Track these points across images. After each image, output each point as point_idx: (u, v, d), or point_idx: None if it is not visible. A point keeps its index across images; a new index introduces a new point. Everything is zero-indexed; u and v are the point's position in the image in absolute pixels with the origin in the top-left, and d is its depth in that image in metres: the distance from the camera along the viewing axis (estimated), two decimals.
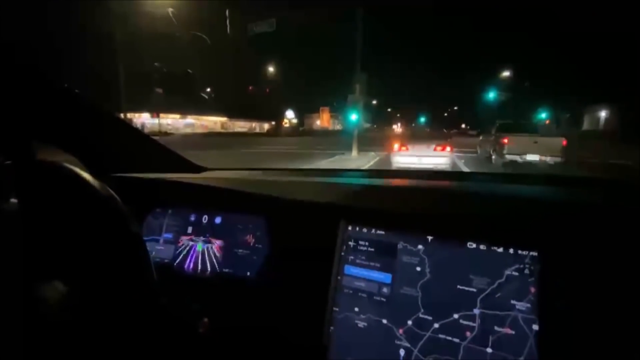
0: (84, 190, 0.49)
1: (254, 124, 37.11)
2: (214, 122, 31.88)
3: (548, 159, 6.28)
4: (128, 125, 0.95)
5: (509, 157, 6.54)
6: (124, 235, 0.47)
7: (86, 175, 0.49)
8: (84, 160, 0.85)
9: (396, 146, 6.02)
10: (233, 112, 33.33)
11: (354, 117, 9.83)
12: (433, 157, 5.56)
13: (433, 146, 5.77)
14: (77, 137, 0.83)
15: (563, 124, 21.97)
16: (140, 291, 0.47)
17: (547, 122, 22.45)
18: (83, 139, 0.85)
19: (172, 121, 26.53)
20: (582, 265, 0.48)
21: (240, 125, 35.48)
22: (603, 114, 20.05)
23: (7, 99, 0.67)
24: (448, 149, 5.71)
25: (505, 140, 6.69)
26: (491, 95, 23.66)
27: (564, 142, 6.53)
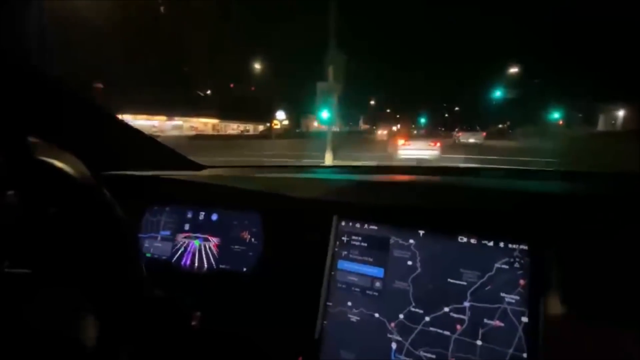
0: (72, 186, 0.50)
1: (247, 126, 34.23)
2: (204, 123, 29.35)
3: (477, 141, 14.81)
4: (126, 124, 0.96)
5: (461, 141, 14.96)
6: (113, 229, 0.48)
7: (73, 171, 0.50)
8: (82, 158, 0.86)
9: (401, 142, 8.28)
10: (225, 113, 30.75)
11: (325, 114, 6.48)
12: (427, 150, 7.82)
13: (428, 142, 8.31)
14: (75, 134, 0.84)
15: (574, 124, 19.78)
16: (129, 285, 0.48)
17: (561, 122, 20.24)
18: (82, 137, 0.86)
19: (159, 123, 24.25)
20: (571, 258, 0.48)
21: (233, 128, 32.80)
22: (621, 113, 17.79)
23: (1, 95, 0.67)
24: (438, 144, 8.15)
25: (460, 134, 15.93)
26: (498, 93, 21.71)
27: (484, 134, 16.11)
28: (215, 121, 30.71)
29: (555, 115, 20.57)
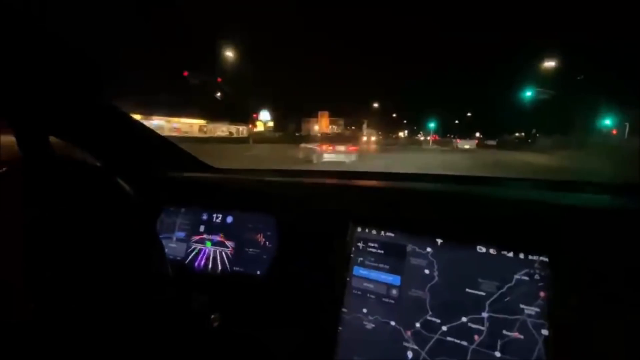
0: (102, 186, 0.51)
1: (241, 128, 29.08)
2: (189, 124, 24.66)
3: (471, 147, 20.32)
4: (141, 124, 0.98)
5: (459, 146, 20.30)
6: (139, 230, 0.49)
7: (103, 171, 0.51)
8: (98, 158, 0.88)
9: (324, 147, 8.96)
10: (212, 114, 25.70)
11: None
12: (346, 154, 8.68)
13: (347, 147, 9.02)
14: (93, 135, 0.86)
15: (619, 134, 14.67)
16: (154, 284, 0.49)
17: (614, 132, 15.31)
18: (99, 137, 0.87)
19: None
20: (593, 271, 0.48)
21: (223, 130, 27.80)
22: None
23: (27, 95, 0.69)
24: (355, 148, 9.15)
25: (458, 141, 22.37)
26: (528, 93, 17.64)
27: (476, 142, 24.45)
28: (201, 122, 26.50)
29: (607, 121, 15.56)
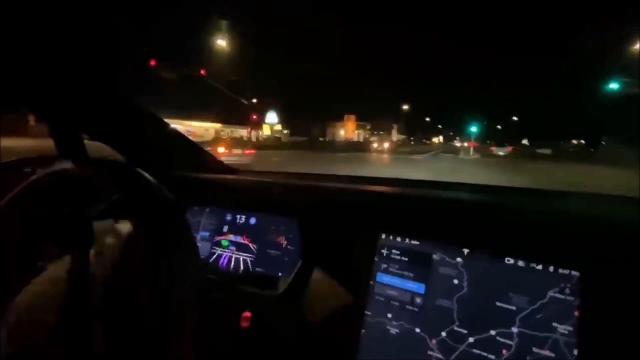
0: (140, 186, 0.53)
1: (261, 132, 26.54)
2: (205, 128, 22.26)
3: (504, 154, 24.65)
4: (167, 124, 0.99)
5: (494, 152, 25.49)
6: (177, 229, 0.50)
7: (143, 173, 0.52)
8: (126, 157, 0.90)
9: (220, 150, 8.99)
10: (229, 117, 23.48)
11: None
12: (243, 157, 9.35)
13: (244, 150, 9.84)
14: (122, 135, 0.88)
15: None
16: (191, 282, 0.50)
17: None
18: (127, 137, 0.89)
19: None
20: (629, 290, 0.46)
21: (242, 133, 24.65)
22: None
23: (65, 102, 0.71)
24: (252, 152, 9.98)
25: (493, 148, 28.68)
26: (613, 86, 12.28)
27: (510, 148, 27.66)
28: (217, 126, 24.30)
29: None
